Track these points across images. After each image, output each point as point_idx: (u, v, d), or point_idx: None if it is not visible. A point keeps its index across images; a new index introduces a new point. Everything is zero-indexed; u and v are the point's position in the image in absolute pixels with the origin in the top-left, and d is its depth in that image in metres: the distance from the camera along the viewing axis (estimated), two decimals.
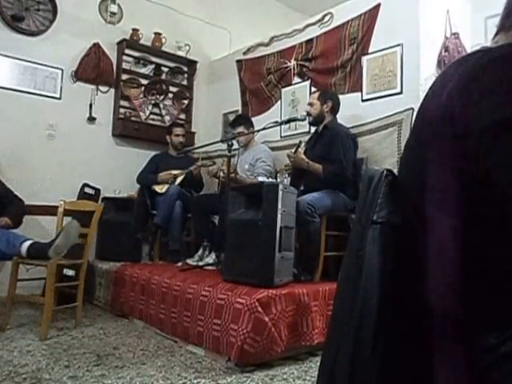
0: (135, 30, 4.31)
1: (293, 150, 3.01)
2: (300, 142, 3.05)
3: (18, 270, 2.71)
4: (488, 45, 0.87)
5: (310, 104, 3.16)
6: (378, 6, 3.23)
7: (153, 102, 4.46)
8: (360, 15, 3.34)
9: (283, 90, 3.97)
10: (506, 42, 0.82)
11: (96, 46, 4.09)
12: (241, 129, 3.62)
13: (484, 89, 0.71)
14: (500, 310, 0.71)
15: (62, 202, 2.96)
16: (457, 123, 0.73)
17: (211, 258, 3.28)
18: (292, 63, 3.88)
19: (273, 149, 3.80)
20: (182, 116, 4.72)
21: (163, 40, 4.47)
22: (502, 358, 0.68)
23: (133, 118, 4.33)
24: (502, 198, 0.67)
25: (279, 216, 2.38)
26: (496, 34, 0.87)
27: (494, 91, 0.70)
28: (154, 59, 4.51)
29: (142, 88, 4.40)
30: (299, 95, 3.81)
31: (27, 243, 2.62)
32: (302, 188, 3.04)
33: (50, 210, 3.03)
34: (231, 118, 4.33)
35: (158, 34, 4.45)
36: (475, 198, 0.70)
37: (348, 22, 3.43)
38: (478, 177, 0.70)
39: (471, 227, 0.69)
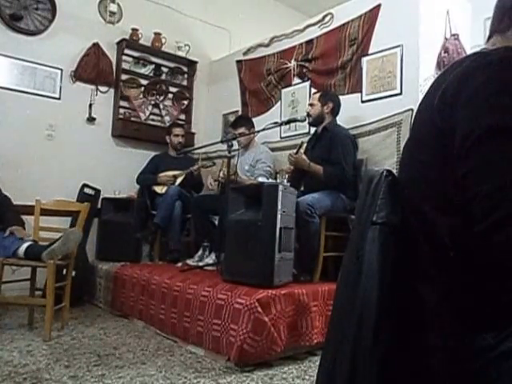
0: (135, 30, 4.31)
1: (294, 151, 3.02)
2: (302, 143, 3.06)
3: (2, 271, 2.61)
4: (485, 46, 0.88)
5: (311, 105, 3.17)
6: (378, 6, 3.23)
7: (153, 102, 4.46)
8: (360, 16, 3.34)
9: (283, 90, 3.97)
10: (502, 44, 0.83)
11: (95, 45, 4.09)
12: (242, 129, 3.63)
13: (471, 93, 0.71)
14: (498, 309, 0.72)
15: (37, 200, 2.86)
16: (446, 125, 0.74)
17: (211, 259, 3.29)
18: (292, 64, 3.89)
19: (273, 149, 3.81)
20: (182, 116, 4.72)
21: (163, 40, 4.47)
22: (500, 357, 0.68)
23: (132, 119, 4.34)
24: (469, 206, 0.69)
25: (279, 216, 2.39)
26: (490, 36, 0.87)
27: (480, 97, 0.70)
28: (153, 59, 4.51)
29: (142, 88, 4.40)
30: (299, 96, 3.82)
31: (26, 244, 2.61)
32: (301, 189, 3.05)
33: (49, 211, 3.02)
34: (231, 118, 4.33)
35: (157, 34, 4.45)
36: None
37: (348, 22, 3.43)
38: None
39: (467, 227, 0.70)
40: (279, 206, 2.39)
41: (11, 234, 2.73)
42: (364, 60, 3.29)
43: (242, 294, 2.27)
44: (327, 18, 3.63)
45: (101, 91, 4.17)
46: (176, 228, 3.65)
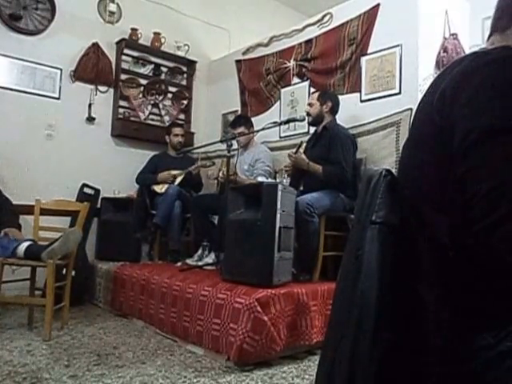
0: (134, 30, 4.30)
1: (294, 150, 3.02)
2: (301, 142, 3.06)
3: (2, 271, 2.60)
4: (484, 46, 0.88)
5: (310, 104, 3.17)
6: (377, 6, 3.23)
7: (152, 102, 4.46)
8: (359, 15, 3.34)
9: (282, 90, 3.97)
10: (501, 43, 0.83)
11: (95, 45, 4.08)
12: (241, 129, 3.63)
13: (471, 93, 0.72)
14: (497, 309, 0.72)
15: (37, 200, 2.87)
16: (445, 125, 0.74)
17: (210, 258, 3.29)
18: (291, 63, 3.89)
19: (272, 149, 3.81)
20: (182, 116, 4.72)
21: (162, 40, 4.47)
22: (499, 357, 0.68)
23: (132, 118, 4.33)
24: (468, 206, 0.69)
25: (278, 216, 2.39)
26: (490, 36, 0.88)
27: (479, 96, 0.71)
28: (153, 59, 4.51)
29: (142, 88, 4.40)
30: (298, 95, 3.82)
31: (25, 244, 2.61)
32: (301, 188, 3.05)
33: (48, 211, 3.02)
34: (230, 118, 4.33)
35: (157, 34, 4.45)
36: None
37: (347, 22, 3.43)
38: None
39: (467, 226, 0.70)
40: (278, 206, 2.39)
41: (6, 235, 2.73)
42: (363, 60, 3.29)
43: (242, 293, 2.27)
44: (326, 18, 3.63)
45: (100, 91, 4.17)
46: (175, 228, 3.65)
